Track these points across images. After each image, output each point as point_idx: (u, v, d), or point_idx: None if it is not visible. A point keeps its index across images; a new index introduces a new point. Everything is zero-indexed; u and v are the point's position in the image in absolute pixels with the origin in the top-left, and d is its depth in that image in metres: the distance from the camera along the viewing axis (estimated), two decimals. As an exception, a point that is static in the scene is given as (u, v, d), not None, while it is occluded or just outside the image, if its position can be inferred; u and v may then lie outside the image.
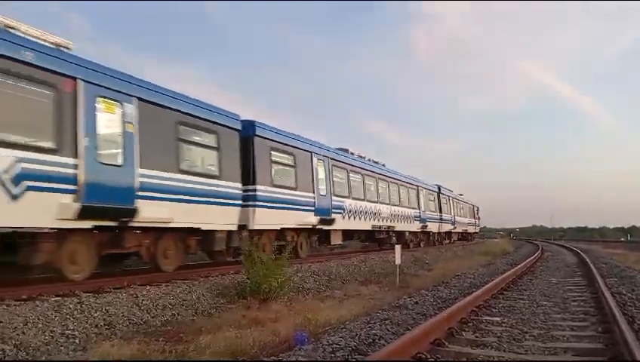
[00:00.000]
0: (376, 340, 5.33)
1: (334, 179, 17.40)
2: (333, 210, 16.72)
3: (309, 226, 15.53)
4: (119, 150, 9.01)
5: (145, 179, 9.35)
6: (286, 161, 14.60)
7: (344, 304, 8.81)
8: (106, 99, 8.78)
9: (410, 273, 15.15)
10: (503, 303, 8.08)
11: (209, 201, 11.02)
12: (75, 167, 8.00)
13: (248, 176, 12.63)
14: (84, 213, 8.10)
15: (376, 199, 21.30)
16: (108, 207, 8.59)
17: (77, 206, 7.99)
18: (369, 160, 22.00)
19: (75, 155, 8.03)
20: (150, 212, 9.36)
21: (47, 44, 8.19)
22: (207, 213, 10.89)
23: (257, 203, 12.76)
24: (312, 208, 15.33)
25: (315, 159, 15.90)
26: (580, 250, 27.10)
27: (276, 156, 14.03)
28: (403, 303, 8.00)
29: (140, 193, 9.19)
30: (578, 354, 4.85)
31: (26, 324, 6.07)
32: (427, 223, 28.61)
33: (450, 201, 35.75)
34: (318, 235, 16.83)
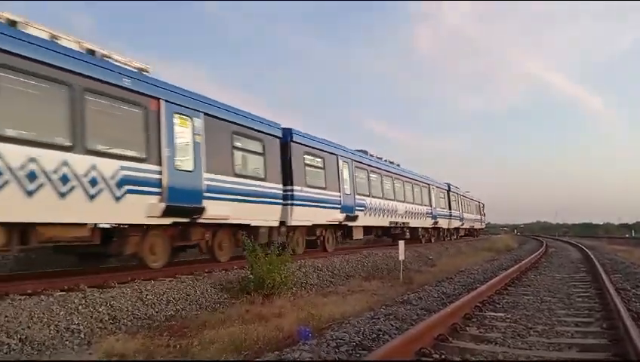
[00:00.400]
0: (380, 335, 5.34)
1: (357, 179, 18.82)
2: (356, 208, 18.10)
3: (336, 222, 16.92)
4: (191, 158, 10.54)
5: (210, 182, 10.91)
6: (317, 164, 16.05)
7: (347, 299, 8.82)
8: (180, 115, 10.36)
9: (414, 269, 15.16)
10: (507, 299, 8.07)
11: (258, 200, 12.63)
12: (160, 173, 9.58)
13: (286, 178, 14.15)
14: (167, 212, 9.64)
15: (392, 197, 22.58)
16: (184, 206, 10.16)
17: (162, 206, 9.53)
18: (385, 160, 23.06)
19: (160, 163, 9.59)
20: (214, 210, 10.89)
21: (132, 68, 9.70)
22: (256, 210, 12.45)
23: (294, 201, 14.20)
24: (339, 206, 16.66)
25: (340, 161, 17.29)
26: (584, 246, 27.03)
27: (309, 159, 15.48)
28: (407, 299, 8.00)
29: (206, 194, 10.77)
30: (582, 350, 4.83)
31: (31, 319, 6.10)
32: (438, 220, 29.92)
33: (459, 199, 36.93)
34: (342, 231, 18.27)
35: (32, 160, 7.19)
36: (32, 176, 7.17)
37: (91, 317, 6.69)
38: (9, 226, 7.20)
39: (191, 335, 6.11)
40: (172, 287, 8.55)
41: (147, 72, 10.10)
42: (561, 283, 10.45)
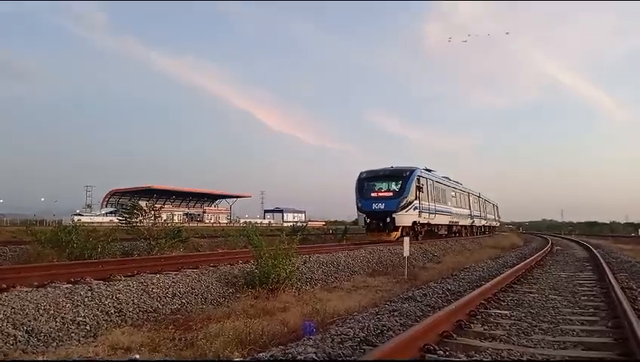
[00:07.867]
0: (385, 331, 5.33)
1: (486, 208, 44.25)
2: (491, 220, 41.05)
3: (468, 224, 35.87)
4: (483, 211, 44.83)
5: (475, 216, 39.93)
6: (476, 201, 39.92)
7: (352, 295, 8.84)
8: (477, 197, 41.31)
9: (419, 265, 15.16)
10: (512, 296, 8.06)
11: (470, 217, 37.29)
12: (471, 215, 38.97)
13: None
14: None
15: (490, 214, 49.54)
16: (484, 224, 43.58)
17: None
18: (484, 195, 45.93)
19: (469, 209, 37.37)
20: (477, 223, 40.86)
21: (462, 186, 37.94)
22: (465, 220, 35.28)
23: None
24: (470, 216, 35.98)
25: (470, 196, 36.86)
26: (590, 244, 26.93)
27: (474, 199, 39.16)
28: (411, 295, 7.99)
29: (474, 218, 39.43)
30: (588, 349, 4.82)
31: (38, 311, 6.15)
32: (491, 222, 51.75)
33: (494, 208, 57.35)
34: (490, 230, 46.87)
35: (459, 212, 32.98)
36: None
37: (97, 309, 6.72)
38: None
39: (196, 329, 6.13)
40: (177, 281, 8.59)
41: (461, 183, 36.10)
42: (567, 281, 10.42)
